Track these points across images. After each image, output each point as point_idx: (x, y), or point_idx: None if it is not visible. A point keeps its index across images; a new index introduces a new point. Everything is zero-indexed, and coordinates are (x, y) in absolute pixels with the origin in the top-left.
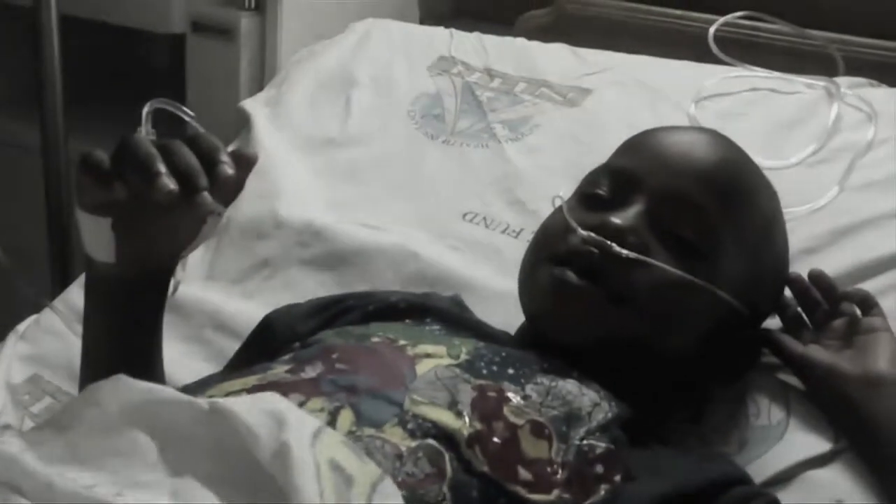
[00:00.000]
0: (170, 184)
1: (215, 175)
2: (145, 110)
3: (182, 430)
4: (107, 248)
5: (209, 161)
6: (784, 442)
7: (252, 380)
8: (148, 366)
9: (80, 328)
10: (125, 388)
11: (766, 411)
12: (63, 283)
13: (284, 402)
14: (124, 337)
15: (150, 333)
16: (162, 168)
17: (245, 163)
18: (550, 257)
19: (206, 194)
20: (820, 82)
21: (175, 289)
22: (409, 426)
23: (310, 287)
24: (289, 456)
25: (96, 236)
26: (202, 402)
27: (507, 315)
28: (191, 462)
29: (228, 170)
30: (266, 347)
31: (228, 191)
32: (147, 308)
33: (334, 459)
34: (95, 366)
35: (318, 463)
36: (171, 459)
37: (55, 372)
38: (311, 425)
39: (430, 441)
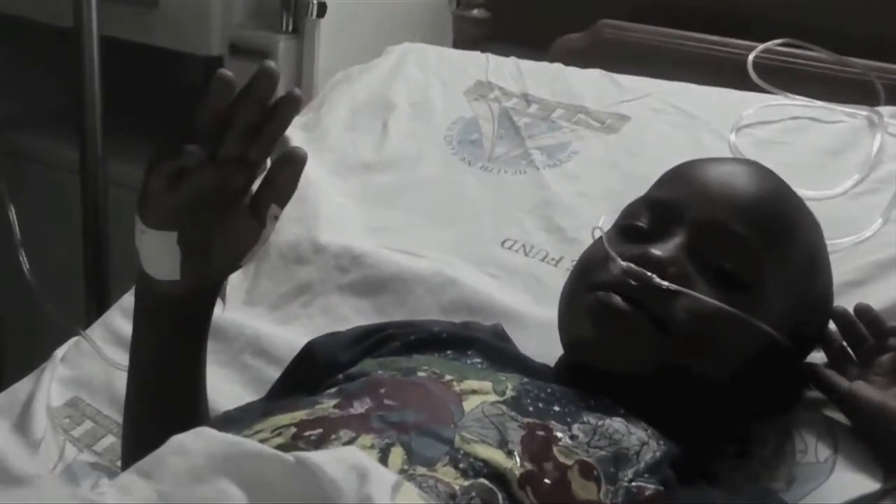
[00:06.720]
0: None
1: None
2: None
3: (268, 482)
4: (172, 265)
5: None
6: (832, 480)
7: (300, 414)
8: (196, 389)
9: (110, 354)
10: (209, 438)
11: (814, 448)
12: (99, 303)
13: (366, 457)
14: (174, 358)
15: (197, 354)
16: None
17: (296, 160)
18: (591, 286)
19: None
20: (862, 112)
21: (223, 306)
22: (461, 465)
23: (348, 313)
24: None
25: (160, 254)
26: (287, 455)
27: (545, 344)
28: None
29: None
30: (308, 375)
31: (283, 191)
32: (197, 326)
33: None
34: (143, 389)
35: None
36: None
37: (95, 395)
38: (390, 479)
39: (483, 481)
